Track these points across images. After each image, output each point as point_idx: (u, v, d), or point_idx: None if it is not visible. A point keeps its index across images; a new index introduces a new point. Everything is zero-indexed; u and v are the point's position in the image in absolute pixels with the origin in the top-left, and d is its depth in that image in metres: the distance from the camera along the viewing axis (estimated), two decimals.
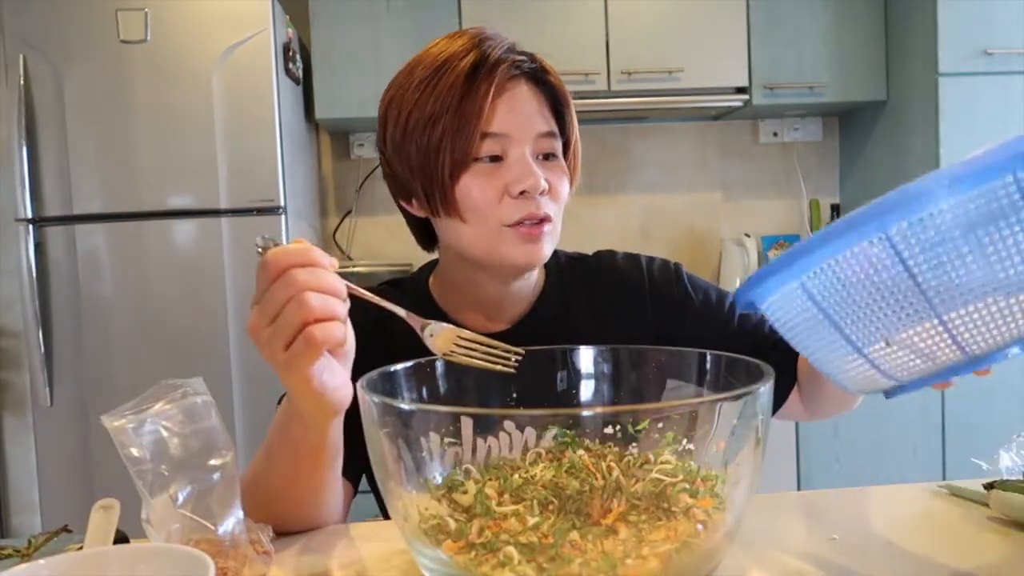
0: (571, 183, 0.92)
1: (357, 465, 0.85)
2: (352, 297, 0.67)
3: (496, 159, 0.85)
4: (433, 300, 0.96)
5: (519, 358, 0.72)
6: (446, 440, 0.62)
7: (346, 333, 0.63)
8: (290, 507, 0.74)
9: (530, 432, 0.68)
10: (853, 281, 0.50)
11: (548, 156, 0.88)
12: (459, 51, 0.85)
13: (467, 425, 0.62)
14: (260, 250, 0.62)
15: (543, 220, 0.85)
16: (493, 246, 0.86)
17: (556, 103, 0.89)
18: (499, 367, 0.71)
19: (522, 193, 0.84)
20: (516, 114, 0.85)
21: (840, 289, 0.51)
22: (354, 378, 0.84)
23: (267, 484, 0.74)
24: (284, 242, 2.39)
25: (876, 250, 0.49)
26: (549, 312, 0.96)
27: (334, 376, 0.64)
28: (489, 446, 0.68)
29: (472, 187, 0.84)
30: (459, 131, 0.82)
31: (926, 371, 0.53)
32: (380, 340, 0.79)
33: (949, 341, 0.50)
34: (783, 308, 0.55)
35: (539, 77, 0.88)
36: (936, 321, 0.49)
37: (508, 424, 0.68)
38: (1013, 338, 0.49)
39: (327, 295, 0.60)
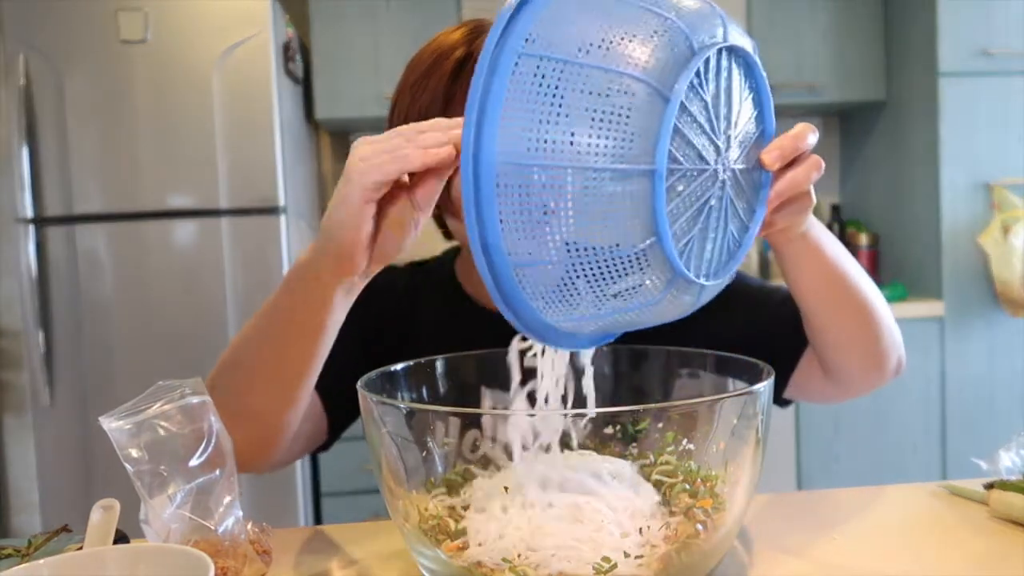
0: None
1: (341, 390, 0.83)
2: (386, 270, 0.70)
3: None
4: (458, 281, 0.96)
5: None
6: (446, 440, 0.62)
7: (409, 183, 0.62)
8: (264, 383, 0.76)
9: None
10: None
11: None
12: (449, 47, 0.83)
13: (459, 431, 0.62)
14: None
15: None
16: None
17: None
18: None
19: None
20: None
21: None
22: (373, 348, 0.84)
23: (249, 352, 0.78)
24: (283, 244, 2.34)
25: None
26: None
27: (372, 234, 0.63)
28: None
29: None
30: None
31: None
32: (407, 309, 0.76)
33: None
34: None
35: None
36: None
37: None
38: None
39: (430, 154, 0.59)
